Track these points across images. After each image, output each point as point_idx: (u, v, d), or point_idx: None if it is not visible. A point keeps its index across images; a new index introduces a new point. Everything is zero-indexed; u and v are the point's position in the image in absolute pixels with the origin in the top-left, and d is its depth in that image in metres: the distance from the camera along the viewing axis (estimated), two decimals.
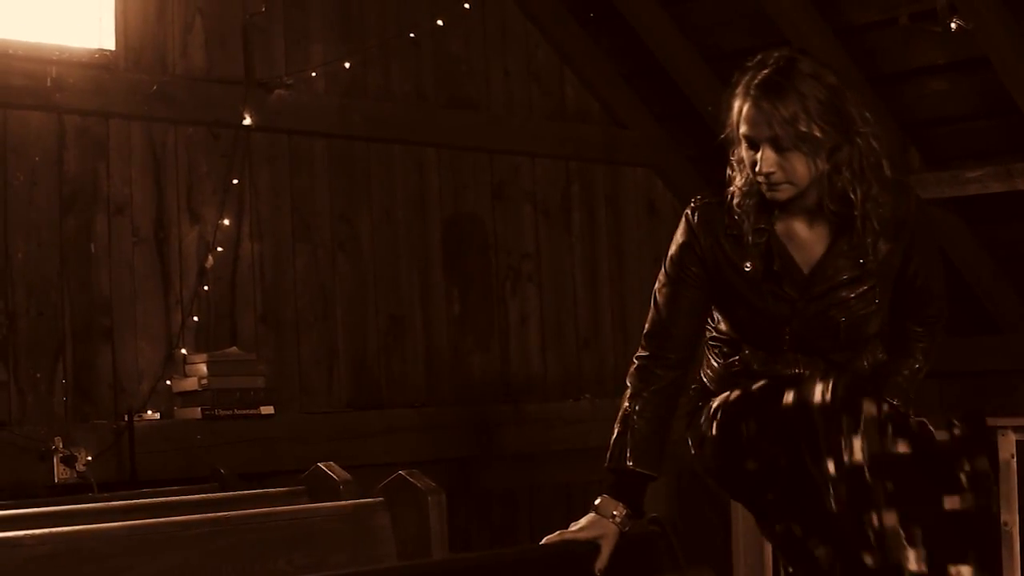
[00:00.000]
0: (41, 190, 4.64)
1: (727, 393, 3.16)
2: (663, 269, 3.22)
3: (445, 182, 5.62)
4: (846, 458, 2.90)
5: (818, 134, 2.96)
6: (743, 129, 3.01)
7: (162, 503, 3.91)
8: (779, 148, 2.97)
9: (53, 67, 4.65)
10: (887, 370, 3.25)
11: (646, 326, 3.22)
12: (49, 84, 4.64)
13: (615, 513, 3.09)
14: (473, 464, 5.48)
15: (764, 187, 3.03)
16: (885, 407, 2.95)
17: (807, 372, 3.11)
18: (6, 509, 3.76)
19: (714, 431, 3.15)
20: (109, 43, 4.81)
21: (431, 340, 5.51)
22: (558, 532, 3.10)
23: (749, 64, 3.03)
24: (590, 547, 3.06)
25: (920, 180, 5.39)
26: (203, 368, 4.74)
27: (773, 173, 3.00)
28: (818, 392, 2.94)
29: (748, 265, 3.11)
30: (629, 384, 3.20)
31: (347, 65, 5.28)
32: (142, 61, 4.87)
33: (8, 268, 4.56)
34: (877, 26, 5.17)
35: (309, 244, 5.23)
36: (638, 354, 3.22)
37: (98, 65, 4.76)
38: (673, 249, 3.20)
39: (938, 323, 3.34)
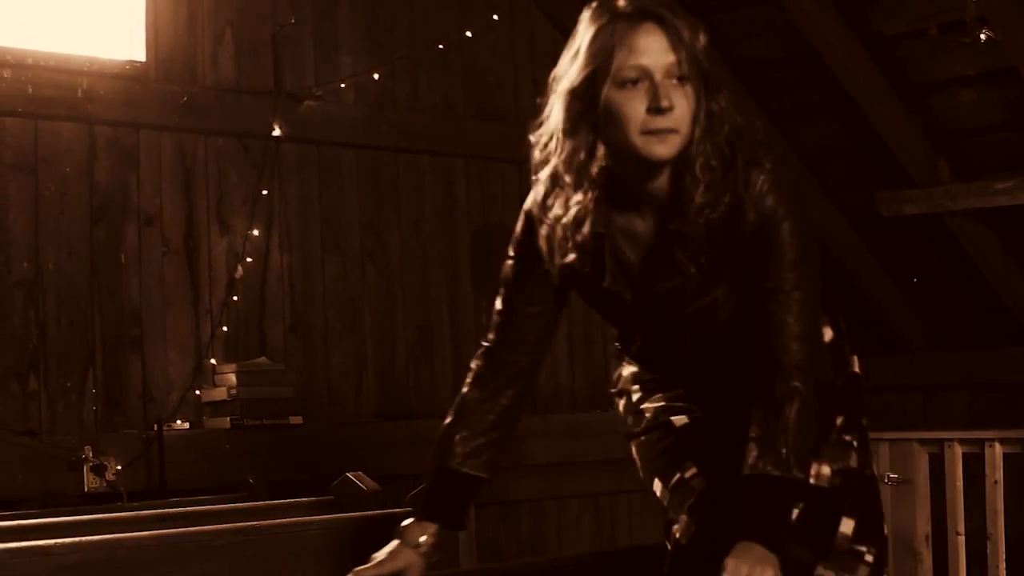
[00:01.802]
0: (72, 201, 4.67)
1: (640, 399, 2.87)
2: (510, 244, 2.80)
3: (473, 193, 5.62)
4: None
5: (708, 66, 2.52)
6: (632, 60, 2.50)
7: (191, 512, 3.91)
8: (677, 77, 2.50)
9: (84, 78, 4.68)
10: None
11: (496, 305, 2.81)
12: (80, 95, 4.67)
13: (420, 541, 2.79)
14: (501, 474, 5.46)
15: (642, 141, 2.50)
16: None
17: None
18: (36, 518, 3.78)
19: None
20: (140, 54, 4.83)
21: (459, 351, 5.52)
22: (363, 567, 2.78)
23: (601, 6, 2.59)
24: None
25: (950, 191, 5.38)
26: (232, 378, 4.75)
27: (672, 110, 2.49)
28: (678, 528, 2.69)
29: (585, 267, 2.65)
30: (473, 369, 2.81)
31: (376, 76, 5.29)
32: (172, 72, 4.89)
33: (39, 278, 4.58)
34: (906, 37, 5.16)
35: (338, 255, 5.24)
36: (487, 338, 2.82)
37: (129, 76, 4.79)
38: (515, 231, 2.78)
39: (793, 400, 2.56)
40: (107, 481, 4.45)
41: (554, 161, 2.62)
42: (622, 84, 2.52)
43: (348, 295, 5.25)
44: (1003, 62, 4.98)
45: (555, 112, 2.62)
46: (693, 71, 2.51)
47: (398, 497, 3.95)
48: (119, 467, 4.49)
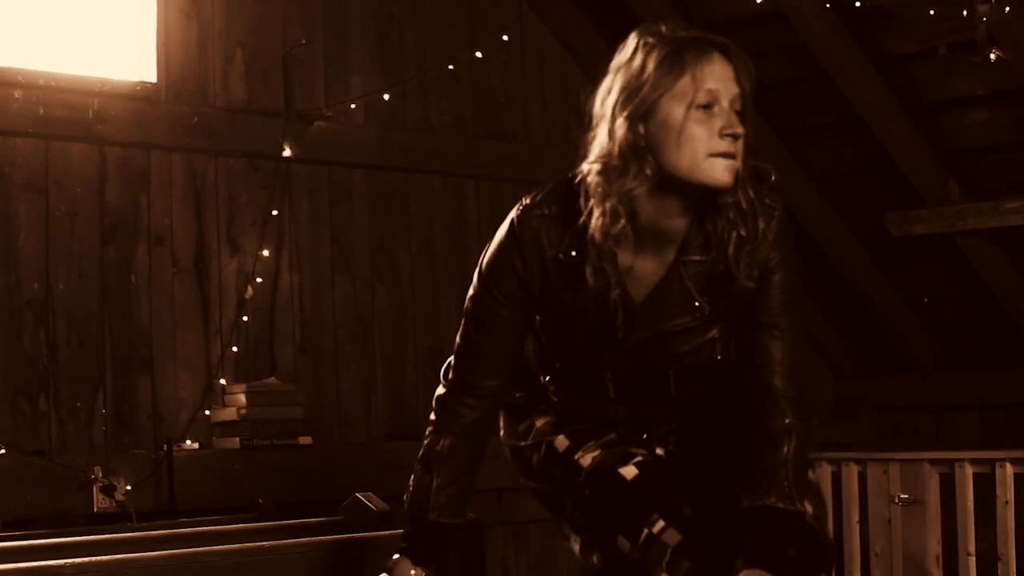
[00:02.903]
0: (82, 221, 4.68)
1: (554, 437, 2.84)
2: (477, 275, 2.79)
3: (484, 213, 5.63)
4: None
5: (753, 108, 2.59)
6: (707, 84, 2.53)
7: (201, 533, 3.91)
8: (738, 110, 2.56)
9: (95, 99, 4.69)
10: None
11: (457, 341, 2.81)
12: (91, 116, 4.68)
13: None
14: (511, 495, 5.47)
15: (708, 164, 2.53)
16: None
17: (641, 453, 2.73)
18: (46, 538, 3.77)
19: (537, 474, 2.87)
20: (151, 75, 4.84)
21: None
22: None
23: (656, 33, 2.59)
24: None
25: (960, 211, 5.38)
26: (242, 398, 4.75)
27: (741, 138, 2.54)
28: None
29: (579, 302, 2.65)
30: (435, 415, 2.84)
31: (386, 97, 5.30)
32: (183, 93, 4.90)
33: (49, 299, 4.59)
34: (916, 57, 5.16)
35: (348, 275, 5.24)
36: (447, 378, 2.84)
37: (139, 97, 4.80)
38: (490, 258, 2.77)
39: (791, 436, 2.63)
40: (116, 501, 4.44)
41: (606, 187, 2.61)
42: (693, 108, 2.54)
43: (358, 315, 5.25)
44: (1013, 82, 4.98)
45: (615, 135, 2.62)
46: (749, 108, 2.58)
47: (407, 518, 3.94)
48: (129, 487, 4.49)
